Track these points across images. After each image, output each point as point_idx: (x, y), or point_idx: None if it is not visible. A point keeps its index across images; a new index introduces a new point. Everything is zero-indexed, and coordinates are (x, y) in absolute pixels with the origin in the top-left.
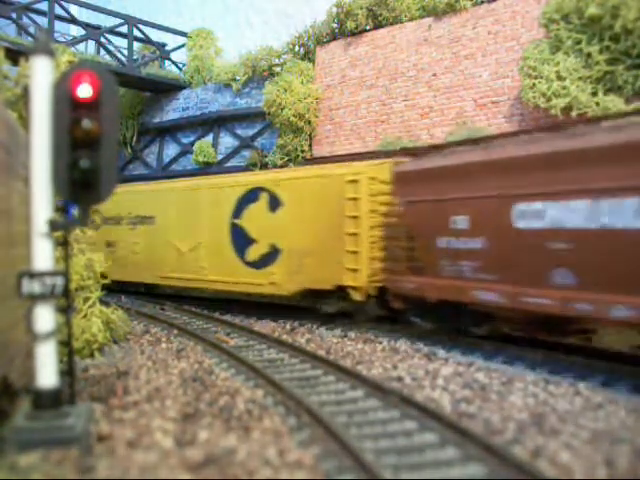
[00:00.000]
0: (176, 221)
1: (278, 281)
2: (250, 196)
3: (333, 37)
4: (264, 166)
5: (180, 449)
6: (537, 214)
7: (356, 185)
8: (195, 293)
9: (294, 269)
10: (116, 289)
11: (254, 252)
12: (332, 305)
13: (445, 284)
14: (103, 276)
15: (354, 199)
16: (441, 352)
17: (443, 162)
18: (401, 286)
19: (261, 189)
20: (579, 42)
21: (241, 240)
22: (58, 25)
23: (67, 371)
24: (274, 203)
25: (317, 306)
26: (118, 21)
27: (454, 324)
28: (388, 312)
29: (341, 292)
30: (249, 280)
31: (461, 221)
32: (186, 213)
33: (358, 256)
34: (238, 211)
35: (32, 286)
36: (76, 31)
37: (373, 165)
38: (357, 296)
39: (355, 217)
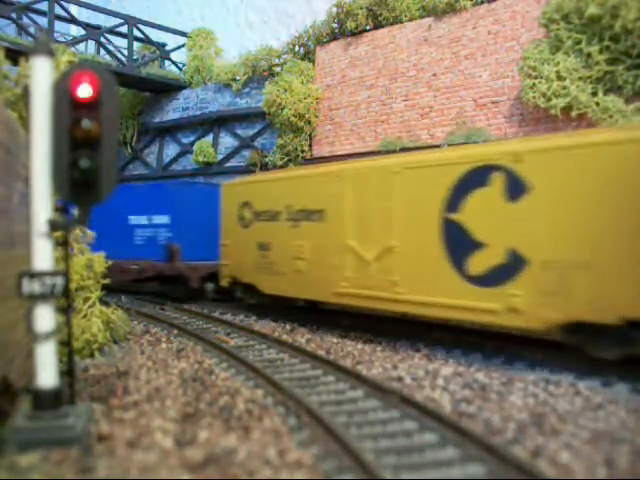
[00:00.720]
0: (356, 217)
1: (522, 307)
2: (474, 178)
3: (333, 37)
4: (264, 166)
5: (180, 449)
6: None
7: None
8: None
9: (551, 289)
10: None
11: (481, 262)
12: (611, 349)
13: None
14: (104, 276)
15: None
16: (441, 352)
17: None
18: None
19: (493, 167)
20: (579, 42)
21: (459, 244)
22: (58, 25)
23: (67, 371)
24: (515, 188)
25: (580, 345)
26: (118, 21)
27: None
28: None
29: (631, 329)
30: (472, 303)
31: None
32: (370, 205)
33: None
34: (454, 201)
35: (32, 286)
36: (76, 31)
37: None
38: None
39: None
